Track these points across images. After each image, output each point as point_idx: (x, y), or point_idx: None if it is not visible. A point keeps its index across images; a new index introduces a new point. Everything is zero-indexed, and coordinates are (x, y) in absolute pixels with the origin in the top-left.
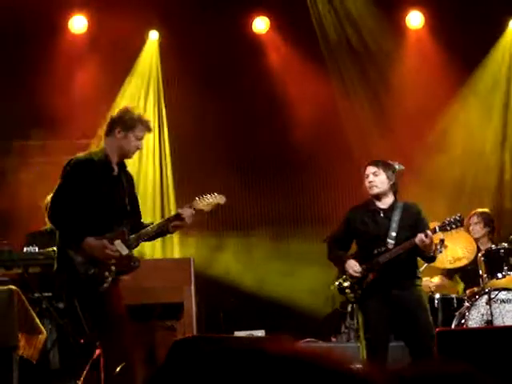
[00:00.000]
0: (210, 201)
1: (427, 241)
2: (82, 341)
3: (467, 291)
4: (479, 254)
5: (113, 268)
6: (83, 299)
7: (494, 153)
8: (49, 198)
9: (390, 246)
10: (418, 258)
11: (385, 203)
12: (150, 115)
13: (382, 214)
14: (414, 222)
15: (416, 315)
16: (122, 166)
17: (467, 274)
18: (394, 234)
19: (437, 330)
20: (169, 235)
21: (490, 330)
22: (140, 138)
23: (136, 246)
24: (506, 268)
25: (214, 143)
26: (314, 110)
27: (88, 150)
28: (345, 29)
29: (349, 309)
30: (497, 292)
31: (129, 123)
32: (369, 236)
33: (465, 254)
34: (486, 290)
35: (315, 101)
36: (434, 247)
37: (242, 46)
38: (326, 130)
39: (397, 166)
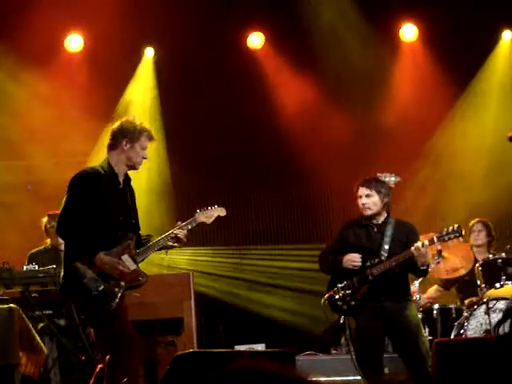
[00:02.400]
0: (211, 213)
1: (423, 250)
2: (83, 358)
3: (466, 301)
4: (477, 264)
5: (122, 284)
6: (94, 316)
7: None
8: (44, 219)
9: (384, 259)
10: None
11: (378, 220)
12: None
13: (375, 229)
14: (406, 238)
15: (408, 327)
16: (127, 180)
17: (464, 284)
18: (386, 247)
19: (436, 340)
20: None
21: (489, 340)
22: (145, 148)
23: (142, 261)
24: (503, 278)
25: (211, 157)
26: (310, 123)
27: (93, 164)
28: (339, 42)
29: (341, 321)
30: (495, 302)
31: (134, 134)
32: (362, 249)
33: (462, 264)
34: (485, 300)
35: (311, 114)
36: (428, 259)
37: (237, 62)
38: (321, 143)
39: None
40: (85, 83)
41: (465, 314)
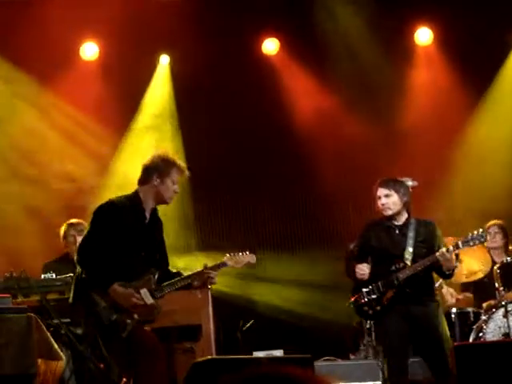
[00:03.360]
0: (241, 259)
1: (448, 255)
2: (101, 365)
3: (484, 304)
4: (495, 267)
5: (135, 316)
6: (107, 342)
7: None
8: (63, 228)
9: (408, 263)
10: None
11: (399, 220)
12: (163, 138)
13: (397, 231)
14: (429, 238)
15: (434, 331)
16: (155, 213)
17: (482, 287)
18: (410, 249)
19: (455, 344)
20: None
21: (508, 343)
22: (176, 183)
23: (161, 297)
24: None
25: (226, 165)
26: (325, 129)
27: (122, 195)
28: (353, 47)
29: (367, 325)
30: None
31: (165, 169)
32: (385, 253)
33: (480, 268)
34: (503, 303)
35: (326, 120)
36: (453, 263)
37: (253, 68)
38: (336, 149)
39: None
40: (100, 91)
41: (483, 317)
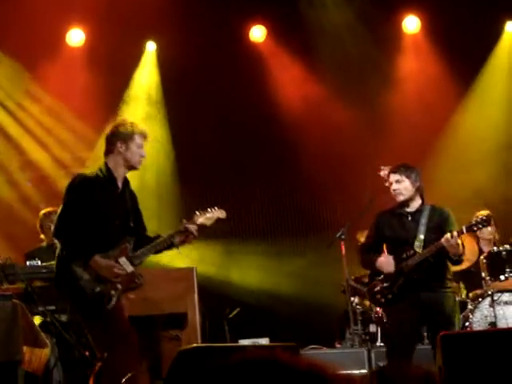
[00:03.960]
0: (210, 215)
1: (453, 241)
2: (87, 353)
3: (470, 294)
4: (481, 257)
5: (119, 286)
6: (88, 317)
7: (499, 156)
8: (39, 218)
9: (419, 249)
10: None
11: (412, 207)
12: (152, 126)
13: (409, 218)
14: (442, 224)
15: (445, 317)
16: (126, 183)
17: (469, 276)
18: (422, 236)
19: (440, 333)
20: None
21: (496, 333)
22: (141, 146)
23: (140, 263)
24: (508, 270)
25: (213, 152)
26: (313, 117)
27: (92, 166)
28: (341, 36)
29: (379, 314)
30: (500, 294)
31: (127, 134)
32: (397, 240)
33: (468, 257)
34: (489, 293)
35: (313, 108)
36: (460, 249)
37: (240, 55)
38: (325, 138)
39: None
40: (87, 78)
41: (469, 306)
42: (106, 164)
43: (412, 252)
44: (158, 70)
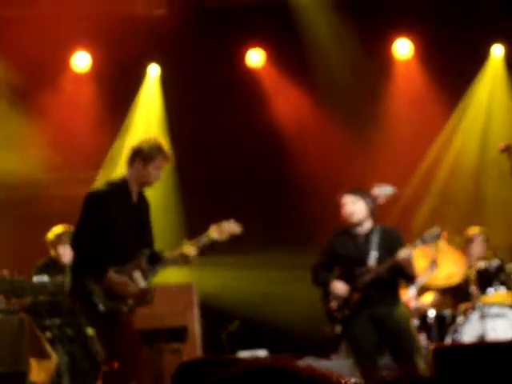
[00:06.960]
0: (226, 229)
1: (405, 253)
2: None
3: (460, 307)
4: (471, 270)
5: (130, 302)
6: (98, 330)
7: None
8: (50, 234)
9: (372, 267)
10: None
11: (364, 227)
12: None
13: (362, 238)
14: (393, 245)
15: (400, 332)
16: (141, 196)
17: (458, 290)
18: (374, 255)
19: (434, 346)
20: None
21: (489, 345)
22: (160, 168)
23: (153, 277)
24: (497, 283)
25: (216, 172)
26: (309, 141)
27: (107, 180)
28: (335, 59)
29: (337, 330)
30: (489, 307)
31: (148, 154)
32: (350, 259)
33: (458, 271)
34: (479, 306)
35: (309, 131)
36: (413, 267)
37: (238, 79)
38: (323, 162)
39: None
40: (92, 102)
41: (459, 319)
42: (124, 175)
43: (366, 268)
44: (161, 92)
